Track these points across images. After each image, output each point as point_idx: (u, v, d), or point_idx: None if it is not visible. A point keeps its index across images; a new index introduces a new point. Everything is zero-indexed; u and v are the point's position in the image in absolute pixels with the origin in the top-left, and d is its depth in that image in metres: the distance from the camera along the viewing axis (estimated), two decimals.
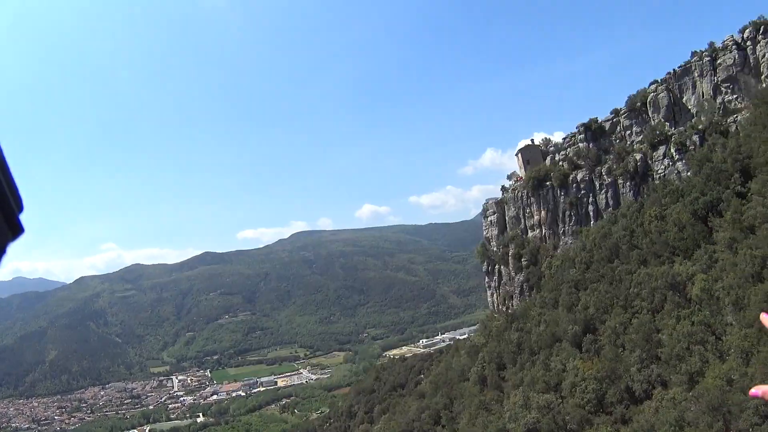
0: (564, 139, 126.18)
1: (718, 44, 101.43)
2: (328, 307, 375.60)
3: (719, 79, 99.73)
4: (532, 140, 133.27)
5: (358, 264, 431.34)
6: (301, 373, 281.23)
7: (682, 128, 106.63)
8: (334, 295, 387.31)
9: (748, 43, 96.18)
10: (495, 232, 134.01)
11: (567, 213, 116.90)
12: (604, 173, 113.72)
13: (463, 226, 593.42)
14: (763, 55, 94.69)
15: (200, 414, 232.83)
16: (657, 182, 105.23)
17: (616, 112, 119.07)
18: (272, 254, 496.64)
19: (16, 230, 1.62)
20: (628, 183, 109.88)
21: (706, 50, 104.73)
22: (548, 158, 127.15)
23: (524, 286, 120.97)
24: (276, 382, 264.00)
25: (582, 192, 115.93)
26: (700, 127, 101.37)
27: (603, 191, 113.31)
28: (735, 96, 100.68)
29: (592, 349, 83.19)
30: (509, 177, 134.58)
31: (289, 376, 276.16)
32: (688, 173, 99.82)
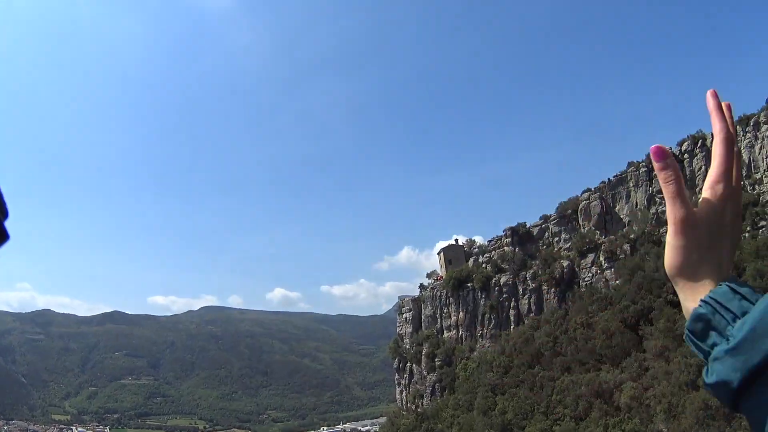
0: (489, 241, 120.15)
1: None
2: (230, 384, 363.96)
3: (654, 189, 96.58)
4: (456, 240, 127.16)
5: (265, 346, 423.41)
6: None
7: (612, 237, 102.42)
8: (238, 373, 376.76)
9: (686, 156, 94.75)
10: (409, 329, 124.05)
11: (487, 316, 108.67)
12: (528, 278, 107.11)
13: (373, 320, 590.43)
14: (699, 168, 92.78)
15: None
16: (583, 290, 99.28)
17: (545, 218, 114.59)
18: (180, 324, 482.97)
19: (2, 237, 1.36)
20: (553, 289, 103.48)
21: (642, 161, 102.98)
22: (471, 260, 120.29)
23: (436, 387, 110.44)
24: None
25: (504, 296, 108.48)
26: (631, 236, 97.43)
27: (526, 296, 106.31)
28: (664, 209, 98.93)
29: None
30: (429, 275, 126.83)
31: None
32: (617, 281, 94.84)
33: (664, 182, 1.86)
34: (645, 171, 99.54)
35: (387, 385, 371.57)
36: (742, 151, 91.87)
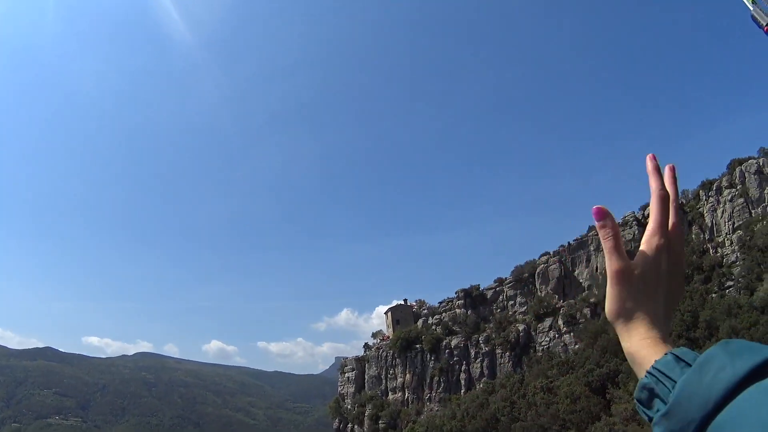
0: (440, 303, 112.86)
1: (618, 220, 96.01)
2: None
3: None
4: (405, 300, 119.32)
5: (198, 397, 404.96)
6: None
7: (572, 301, 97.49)
8: (170, 423, 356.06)
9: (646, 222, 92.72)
10: (352, 389, 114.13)
11: (436, 379, 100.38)
12: (481, 341, 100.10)
13: (309, 380, 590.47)
14: None
15: None
16: (540, 354, 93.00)
17: (500, 281, 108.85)
18: (113, 367, 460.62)
19: None
20: (507, 353, 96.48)
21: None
22: (420, 321, 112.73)
23: None
24: None
25: (455, 359, 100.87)
26: (591, 300, 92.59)
27: (478, 360, 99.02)
28: None
29: None
30: (374, 335, 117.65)
31: None
32: (577, 345, 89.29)
33: (603, 239, 1.96)
34: None
35: None
36: (705, 215, 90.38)
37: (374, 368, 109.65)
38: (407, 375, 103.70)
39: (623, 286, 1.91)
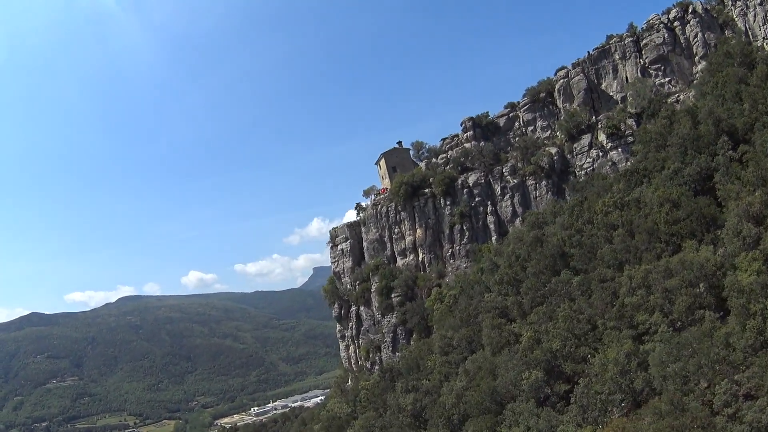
0: (443, 140, 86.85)
1: (641, 26, 76.77)
2: (155, 374, 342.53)
3: (647, 60, 74.06)
4: (400, 143, 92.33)
5: (185, 331, 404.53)
6: None
7: (609, 113, 73.43)
8: (162, 362, 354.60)
9: (677, 23, 73.46)
10: (348, 263, 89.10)
11: (457, 228, 75.86)
12: (506, 173, 75.44)
13: (290, 295, 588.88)
14: (695, 35, 72.33)
15: None
16: (581, 178, 69.42)
17: (512, 106, 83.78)
18: (99, 318, 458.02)
19: None
20: (543, 182, 72.38)
21: (626, 32, 78.78)
22: (422, 164, 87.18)
23: (399, 331, 76.67)
24: None
25: (476, 200, 76.22)
26: (634, 110, 71.41)
27: (507, 196, 74.70)
28: (668, 79, 74.07)
29: (583, 404, 39.05)
30: (366, 193, 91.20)
31: None
32: (628, 163, 65.51)
33: None
34: (632, 41, 76.12)
35: (312, 357, 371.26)
36: (737, 19, 72.71)
37: (374, 231, 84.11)
38: (418, 231, 78.62)
39: None
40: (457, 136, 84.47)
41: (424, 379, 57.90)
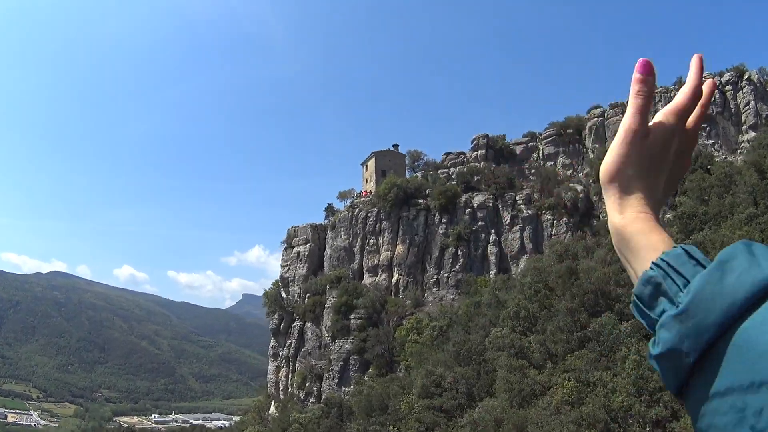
0: (446, 155, 72.11)
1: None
2: (68, 355, 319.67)
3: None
4: (396, 146, 76.59)
5: (105, 321, 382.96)
6: (32, 414, 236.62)
7: None
8: (76, 345, 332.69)
9: (728, 87, 67.24)
10: (302, 270, 71.46)
11: (450, 251, 59.84)
12: (520, 203, 61.16)
13: (215, 314, 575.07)
14: (747, 103, 66.09)
15: None
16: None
17: (531, 136, 70.70)
18: (27, 285, 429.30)
19: None
20: (564, 219, 58.41)
21: (673, 85, 69.66)
22: (419, 175, 71.79)
23: (352, 360, 58.67)
24: (6, 416, 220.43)
25: (479, 224, 60.92)
26: None
27: (517, 227, 60.31)
28: (712, 141, 66.60)
29: None
30: (342, 196, 74.31)
31: (19, 414, 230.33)
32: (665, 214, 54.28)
33: (636, 94, 1.59)
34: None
35: (223, 381, 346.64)
36: None
37: (343, 237, 66.85)
38: (399, 246, 62.01)
39: (633, 148, 1.54)
40: (463, 153, 70.22)
41: (391, 426, 41.39)
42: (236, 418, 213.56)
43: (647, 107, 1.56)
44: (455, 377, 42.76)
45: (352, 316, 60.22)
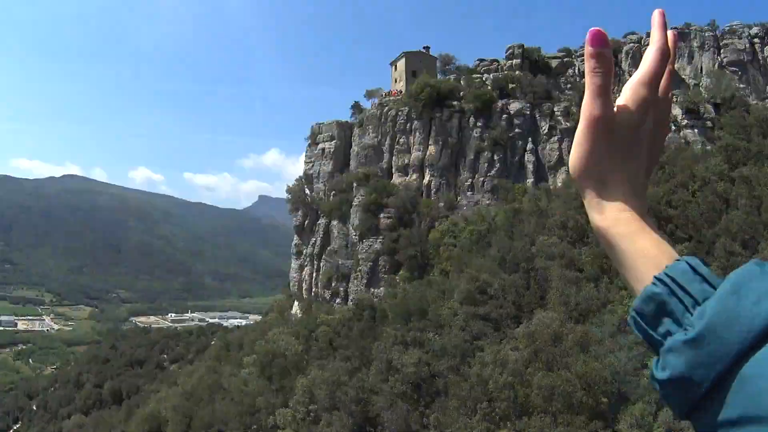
0: (479, 60, 69.55)
1: (722, 28, 70.64)
2: (83, 258, 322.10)
3: (725, 60, 67.34)
4: (427, 48, 73.19)
5: (121, 223, 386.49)
6: (44, 320, 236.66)
7: (687, 92, 62.17)
8: (92, 248, 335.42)
9: (756, 40, 68.31)
10: (327, 167, 69.11)
11: (486, 155, 58.30)
12: (558, 114, 59.89)
13: (231, 215, 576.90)
14: None
15: None
16: None
17: (567, 51, 68.70)
18: (41, 189, 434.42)
19: None
20: None
21: (707, 26, 71.39)
22: (451, 78, 69.30)
23: (382, 261, 57.29)
24: (16, 324, 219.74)
25: (516, 131, 59.42)
26: (713, 98, 63.01)
27: (555, 138, 59.26)
28: (743, 85, 66.98)
29: None
30: (370, 94, 71.10)
31: (31, 320, 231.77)
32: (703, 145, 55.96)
33: (591, 72, 1.34)
34: (712, 36, 68.78)
35: (239, 280, 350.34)
36: None
37: (372, 135, 64.47)
38: (431, 147, 59.79)
39: (601, 139, 1.33)
40: (497, 61, 67.75)
41: (431, 333, 39.80)
42: (252, 317, 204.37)
43: (608, 86, 1.32)
44: (503, 284, 40.99)
45: (381, 215, 58.45)
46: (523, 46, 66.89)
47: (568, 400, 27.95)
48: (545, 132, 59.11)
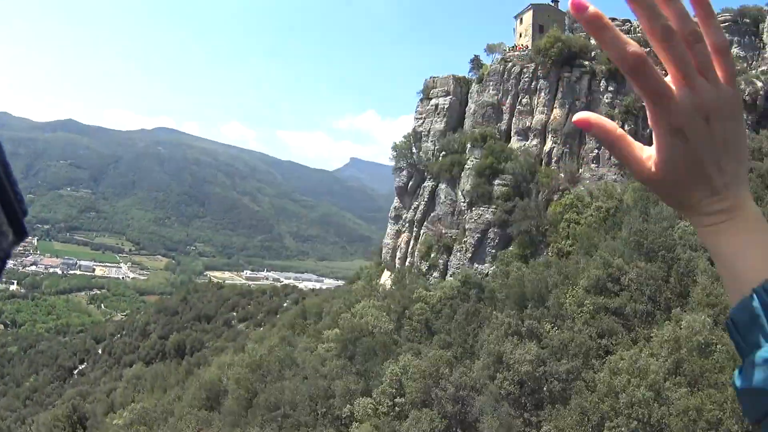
0: (611, 20, 65.06)
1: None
2: (166, 209, 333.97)
3: None
4: (555, 1, 68.87)
5: (208, 176, 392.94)
6: (121, 267, 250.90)
7: None
8: (176, 200, 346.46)
9: None
10: (439, 125, 64.99)
11: (618, 124, 54.68)
12: None
13: (321, 175, 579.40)
14: None
15: (15, 281, 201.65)
16: None
17: None
18: (131, 140, 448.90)
19: (21, 235, 1.25)
20: (745, 115, 53.26)
21: None
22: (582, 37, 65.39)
23: (491, 234, 53.99)
24: (94, 270, 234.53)
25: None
26: None
27: None
28: None
29: None
30: (491, 49, 67.35)
31: (108, 266, 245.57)
32: None
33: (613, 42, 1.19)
34: None
35: (320, 242, 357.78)
36: None
37: (491, 92, 60.62)
38: (556, 110, 56.08)
39: (664, 140, 1.24)
40: (629, 21, 63.33)
41: (549, 325, 35.71)
42: (328, 281, 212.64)
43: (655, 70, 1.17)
44: (640, 274, 36.08)
45: (496, 182, 54.56)
46: None
47: (714, 427, 23.85)
48: None
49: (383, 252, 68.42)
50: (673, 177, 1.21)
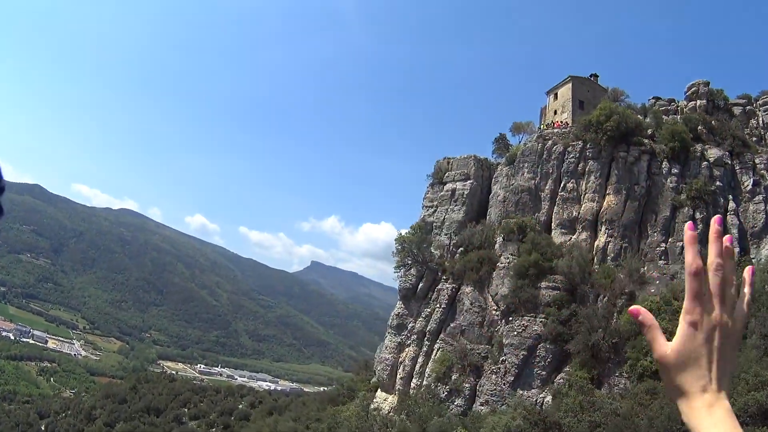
0: (654, 99, 57.35)
1: None
2: (123, 293, 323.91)
3: None
4: (595, 75, 59.59)
5: (168, 265, 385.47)
6: (74, 344, 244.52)
7: None
8: (134, 284, 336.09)
9: None
10: (458, 215, 54.25)
11: (685, 212, 45.09)
12: (762, 167, 47.55)
13: (281, 276, 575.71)
14: None
15: None
16: None
17: (747, 98, 56.72)
18: (95, 217, 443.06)
19: None
20: None
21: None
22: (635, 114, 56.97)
23: (543, 351, 41.24)
24: (47, 341, 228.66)
25: (716, 184, 46.45)
26: None
27: (760, 197, 46.29)
28: None
29: None
30: (517, 129, 58.54)
31: (61, 341, 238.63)
32: None
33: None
34: None
35: (276, 343, 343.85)
36: None
37: (525, 175, 50.68)
38: (609, 196, 46.35)
39: (669, 376, 1.62)
40: (674, 101, 55.74)
41: None
42: (283, 382, 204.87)
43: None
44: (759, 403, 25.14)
45: (543, 284, 43.26)
46: (708, 84, 54.86)
47: None
48: (748, 188, 46.06)
49: (378, 368, 54.68)
50: (684, 359, 1.55)
